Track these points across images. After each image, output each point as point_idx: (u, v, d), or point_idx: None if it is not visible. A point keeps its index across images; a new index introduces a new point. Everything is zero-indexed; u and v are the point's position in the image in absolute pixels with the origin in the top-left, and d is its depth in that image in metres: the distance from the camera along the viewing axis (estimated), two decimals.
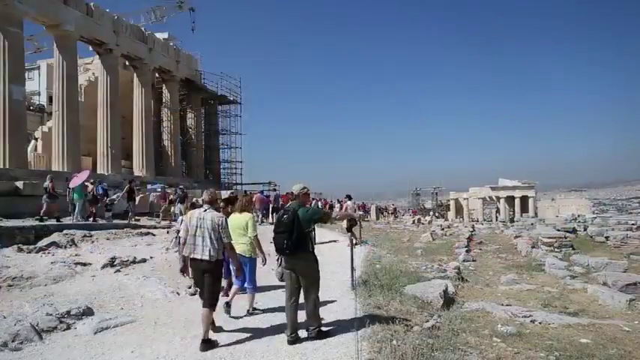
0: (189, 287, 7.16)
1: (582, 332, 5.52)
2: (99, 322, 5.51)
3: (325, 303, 6.38)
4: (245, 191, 27.59)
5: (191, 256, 4.81)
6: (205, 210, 4.89)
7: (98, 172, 24.40)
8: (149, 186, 19.37)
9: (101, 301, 6.77)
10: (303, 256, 4.82)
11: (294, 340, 4.75)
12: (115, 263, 9.03)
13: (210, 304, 4.77)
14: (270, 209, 20.04)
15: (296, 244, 4.69)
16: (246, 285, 5.96)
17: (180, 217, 6.96)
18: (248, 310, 5.97)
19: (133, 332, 5.32)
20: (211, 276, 4.81)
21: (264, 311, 6.05)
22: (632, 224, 18.98)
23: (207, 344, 4.67)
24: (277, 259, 5.52)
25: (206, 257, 4.72)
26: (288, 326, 4.83)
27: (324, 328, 4.98)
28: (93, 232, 12.09)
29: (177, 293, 7.21)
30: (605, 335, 5.41)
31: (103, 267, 8.84)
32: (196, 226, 4.80)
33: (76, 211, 14.48)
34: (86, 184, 15.34)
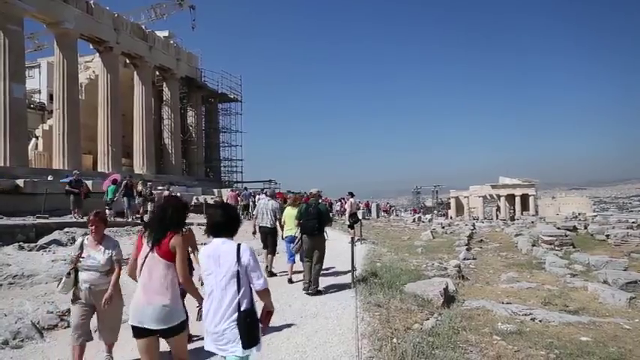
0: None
1: (582, 330, 5.52)
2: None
3: (325, 301, 6.40)
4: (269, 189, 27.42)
5: (260, 225, 8.25)
6: (269, 200, 8.55)
7: (99, 170, 24.44)
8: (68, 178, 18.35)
9: None
10: (320, 237, 7.06)
11: (307, 287, 6.94)
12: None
13: (273, 252, 8.39)
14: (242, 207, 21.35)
15: (320, 227, 6.96)
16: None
17: (80, 239, 4.26)
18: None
19: (130, 332, 5.32)
20: (272, 237, 8.28)
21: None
22: (633, 222, 18.98)
23: (271, 274, 8.18)
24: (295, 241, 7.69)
25: (268, 225, 8.18)
26: (306, 279, 7.04)
27: (320, 289, 6.97)
28: None
29: None
30: (605, 333, 5.41)
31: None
32: (264, 208, 8.23)
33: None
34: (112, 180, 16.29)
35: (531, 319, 6.00)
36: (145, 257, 3.07)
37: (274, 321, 5.42)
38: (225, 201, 8.67)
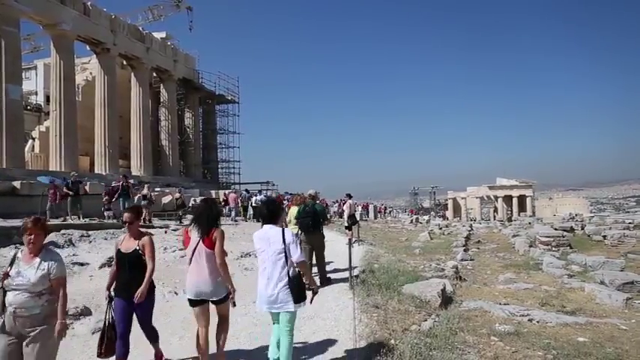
0: None
1: (580, 331, 5.54)
2: (97, 322, 5.48)
3: (323, 302, 6.40)
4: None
5: None
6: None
7: (96, 171, 24.38)
8: (41, 178, 18.31)
9: (99, 301, 6.72)
10: (317, 234, 7.66)
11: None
12: (112, 263, 8.99)
13: None
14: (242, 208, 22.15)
15: (315, 225, 7.53)
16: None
17: (13, 251, 3.66)
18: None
19: (131, 332, 5.30)
20: None
21: None
22: (630, 223, 19.06)
23: None
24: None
25: None
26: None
27: (329, 277, 7.81)
28: (91, 232, 12.06)
29: (176, 293, 7.20)
30: (602, 334, 5.43)
31: (101, 267, 8.80)
32: None
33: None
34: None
35: (529, 320, 6.01)
36: (195, 247, 3.89)
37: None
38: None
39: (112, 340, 3.97)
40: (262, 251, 3.77)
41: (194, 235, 3.94)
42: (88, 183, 17.92)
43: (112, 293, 4.08)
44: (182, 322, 5.65)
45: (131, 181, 17.38)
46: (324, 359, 4.35)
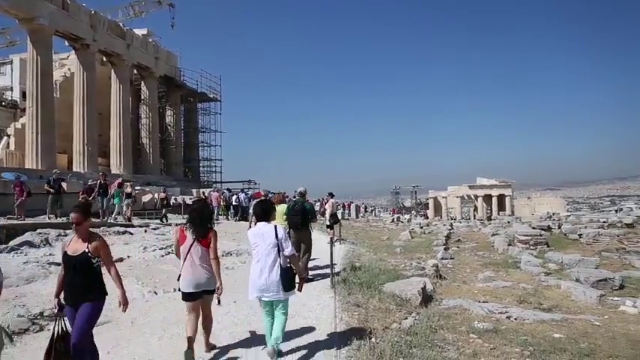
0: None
1: (555, 327, 5.66)
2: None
3: (305, 301, 6.40)
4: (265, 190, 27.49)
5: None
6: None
7: (74, 169, 23.89)
8: (5, 174, 18.02)
9: None
10: (305, 231, 7.89)
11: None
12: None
13: None
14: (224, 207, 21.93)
15: (303, 222, 7.76)
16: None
17: None
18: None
19: (109, 333, 5.20)
20: None
21: None
22: (604, 222, 19.56)
23: None
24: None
25: None
26: None
27: (309, 277, 7.80)
28: (68, 231, 11.80)
29: (155, 293, 7.11)
30: (577, 330, 5.56)
31: None
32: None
33: (115, 212, 16.11)
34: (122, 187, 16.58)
35: (507, 318, 6.12)
36: (191, 245, 4.22)
37: (252, 321, 5.43)
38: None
39: (60, 352, 3.58)
40: (257, 246, 4.22)
41: (189, 234, 4.29)
42: (66, 181, 17.56)
43: (62, 301, 3.71)
44: (162, 322, 5.58)
45: (119, 180, 17.20)
46: (306, 358, 4.35)
